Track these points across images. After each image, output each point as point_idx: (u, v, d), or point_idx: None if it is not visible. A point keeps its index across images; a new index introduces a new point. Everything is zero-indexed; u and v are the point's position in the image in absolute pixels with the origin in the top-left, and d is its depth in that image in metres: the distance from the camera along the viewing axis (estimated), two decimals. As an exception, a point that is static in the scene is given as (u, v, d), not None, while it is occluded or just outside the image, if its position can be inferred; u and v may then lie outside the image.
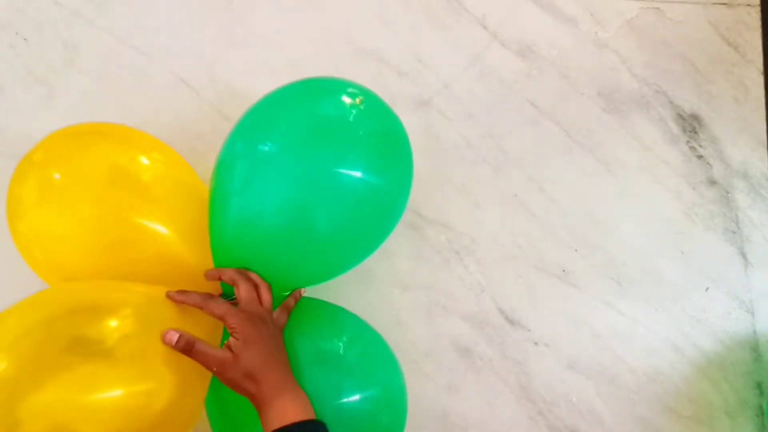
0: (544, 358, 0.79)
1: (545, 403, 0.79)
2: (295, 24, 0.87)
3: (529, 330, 0.80)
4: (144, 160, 0.63)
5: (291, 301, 0.63)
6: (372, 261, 0.80)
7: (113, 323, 0.51)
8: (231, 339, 0.54)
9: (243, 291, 0.56)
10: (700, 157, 0.86)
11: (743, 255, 0.84)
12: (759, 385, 0.80)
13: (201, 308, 0.56)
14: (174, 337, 0.52)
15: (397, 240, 0.80)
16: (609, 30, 0.89)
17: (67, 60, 0.83)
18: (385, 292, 0.79)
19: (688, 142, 0.87)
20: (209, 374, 0.57)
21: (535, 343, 0.80)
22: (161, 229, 0.60)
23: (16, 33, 0.84)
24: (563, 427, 0.78)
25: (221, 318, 0.55)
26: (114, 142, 0.64)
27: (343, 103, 0.60)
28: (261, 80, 0.84)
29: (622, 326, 0.81)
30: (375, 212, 0.60)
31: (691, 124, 0.87)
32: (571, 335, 0.80)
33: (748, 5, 0.91)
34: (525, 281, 0.81)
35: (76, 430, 0.47)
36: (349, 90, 0.61)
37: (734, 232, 0.85)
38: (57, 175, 0.60)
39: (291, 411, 0.50)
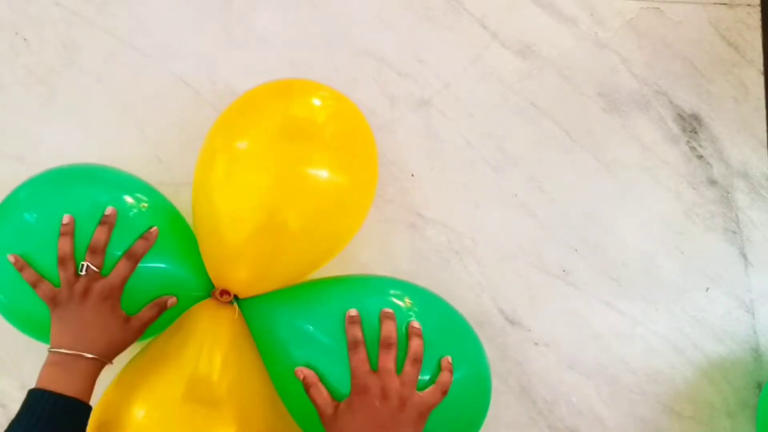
0: (544, 358, 0.79)
1: (545, 403, 0.79)
2: (295, 24, 0.87)
3: (529, 330, 0.80)
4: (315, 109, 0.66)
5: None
6: (372, 261, 0.80)
7: None
8: (348, 398, 0.54)
9: (388, 361, 0.56)
10: (700, 157, 0.86)
11: (743, 255, 0.84)
12: (759, 385, 0.80)
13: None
14: (300, 374, 0.57)
15: (397, 240, 0.80)
16: (609, 30, 0.89)
17: (67, 60, 0.83)
18: (385, 292, 0.79)
19: (688, 142, 0.87)
20: None
21: (536, 343, 0.80)
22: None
23: (16, 33, 0.84)
24: (563, 427, 0.78)
25: (352, 370, 0.55)
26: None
27: None
28: (261, 80, 0.84)
29: (622, 326, 0.81)
30: None
31: (691, 124, 0.87)
32: (571, 335, 0.80)
33: (748, 5, 0.91)
34: (525, 281, 0.81)
35: None
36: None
37: (734, 232, 0.85)
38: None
39: None
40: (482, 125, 0.85)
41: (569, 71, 0.87)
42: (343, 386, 0.57)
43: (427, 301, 0.66)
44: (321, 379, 0.58)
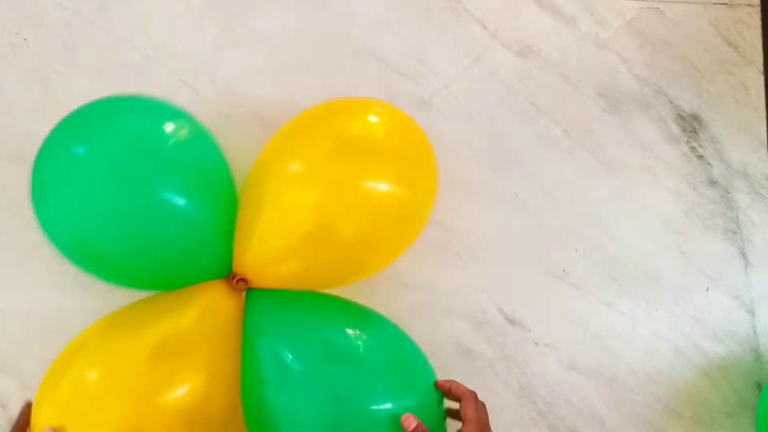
0: (544, 358, 0.79)
1: (545, 403, 0.79)
2: (295, 24, 0.87)
3: (530, 330, 0.80)
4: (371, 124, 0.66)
5: None
6: (372, 261, 0.80)
7: None
8: None
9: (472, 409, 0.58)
10: (700, 157, 0.86)
11: (743, 255, 0.84)
12: (759, 385, 0.80)
13: (459, 399, 0.60)
14: (412, 424, 0.57)
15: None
16: (609, 30, 0.89)
17: (67, 60, 0.83)
18: (385, 292, 0.79)
19: (688, 142, 0.87)
20: None
21: (536, 343, 0.80)
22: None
23: (17, 33, 0.84)
24: (563, 427, 0.78)
25: (465, 419, 0.58)
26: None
27: None
28: (261, 80, 0.84)
29: (623, 326, 0.81)
30: None
31: (691, 124, 0.87)
32: (571, 335, 0.80)
33: (748, 5, 0.91)
34: (525, 281, 0.81)
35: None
36: None
37: (734, 232, 0.85)
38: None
39: None
40: (482, 125, 0.85)
41: (569, 71, 0.87)
42: (305, 419, 0.58)
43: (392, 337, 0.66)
44: (285, 406, 0.59)
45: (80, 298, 0.76)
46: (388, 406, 0.59)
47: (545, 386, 0.79)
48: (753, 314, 0.83)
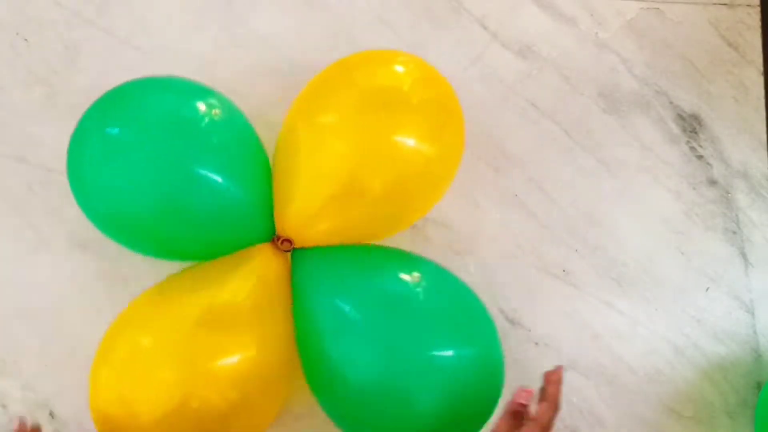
0: (544, 358, 0.79)
1: (545, 403, 0.78)
2: (295, 24, 0.87)
3: (530, 330, 0.80)
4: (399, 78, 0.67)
5: None
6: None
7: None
8: None
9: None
10: (700, 157, 0.86)
11: (743, 255, 0.84)
12: (759, 385, 0.80)
13: (546, 399, 0.55)
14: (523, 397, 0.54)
15: (398, 240, 0.80)
16: (609, 30, 0.89)
17: (67, 60, 0.83)
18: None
19: (688, 142, 0.87)
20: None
21: (536, 343, 0.80)
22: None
23: (17, 33, 0.84)
24: (563, 428, 0.78)
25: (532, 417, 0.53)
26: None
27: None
28: (261, 80, 0.84)
29: (623, 326, 0.81)
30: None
31: (691, 124, 0.87)
32: (571, 335, 0.80)
33: (748, 5, 0.91)
34: (525, 281, 0.81)
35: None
36: None
37: (734, 232, 0.85)
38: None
39: None
40: (482, 125, 0.85)
41: (569, 71, 0.87)
42: (365, 367, 0.59)
43: (450, 284, 0.67)
44: (345, 355, 0.59)
45: (81, 298, 0.76)
46: (448, 353, 0.60)
47: (545, 386, 0.79)
48: (753, 314, 0.83)
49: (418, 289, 0.63)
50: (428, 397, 0.59)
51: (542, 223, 0.83)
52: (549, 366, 0.79)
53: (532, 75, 0.87)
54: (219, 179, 0.63)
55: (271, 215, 0.68)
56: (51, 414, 0.72)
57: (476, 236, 0.82)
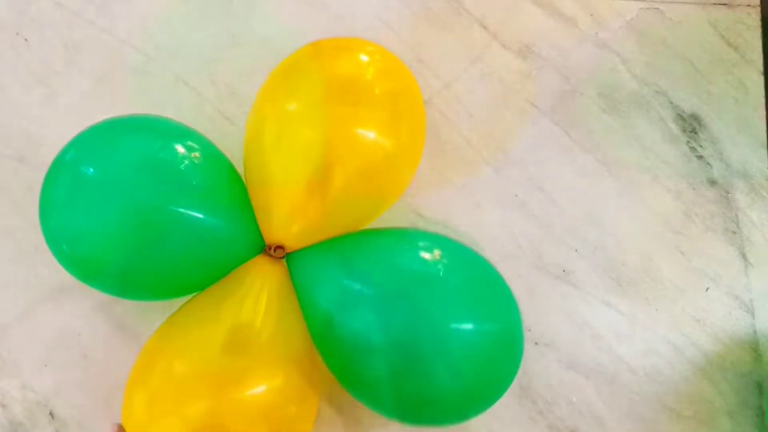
0: (544, 358, 0.79)
1: (545, 403, 0.79)
2: (296, 24, 0.87)
3: (530, 330, 0.80)
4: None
5: None
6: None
7: None
8: None
9: None
10: (700, 157, 0.86)
11: (743, 255, 0.84)
12: (759, 385, 0.80)
13: None
14: None
15: (398, 240, 0.80)
16: (609, 30, 0.89)
17: (67, 60, 0.83)
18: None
19: (688, 142, 0.87)
20: None
21: (536, 343, 0.80)
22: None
23: (17, 33, 0.84)
24: (563, 428, 0.78)
25: None
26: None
27: None
28: (261, 80, 0.84)
29: (622, 326, 0.81)
30: None
31: (691, 124, 0.87)
32: (571, 335, 0.80)
33: (748, 5, 0.91)
34: (525, 281, 0.81)
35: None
36: None
37: (734, 232, 0.85)
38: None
39: None
40: (482, 125, 0.85)
41: (569, 71, 0.87)
42: (382, 334, 0.59)
43: (466, 256, 0.67)
44: (360, 332, 0.59)
45: (81, 298, 0.76)
46: (468, 326, 0.61)
47: (545, 386, 0.79)
48: (753, 314, 0.83)
49: (431, 261, 0.64)
50: (447, 367, 0.60)
51: (542, 223, 0.83)
52: (549, 365, 0.79)
53: (532, 75, 0.87)
54: (200, 215, 0.62)
55: (257, 228, 0.68)
56: (51, 414, 0.73)
57: (476, 236, 0.82)
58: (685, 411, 0.80)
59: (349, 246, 0.68)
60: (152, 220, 0.60)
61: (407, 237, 0.70)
